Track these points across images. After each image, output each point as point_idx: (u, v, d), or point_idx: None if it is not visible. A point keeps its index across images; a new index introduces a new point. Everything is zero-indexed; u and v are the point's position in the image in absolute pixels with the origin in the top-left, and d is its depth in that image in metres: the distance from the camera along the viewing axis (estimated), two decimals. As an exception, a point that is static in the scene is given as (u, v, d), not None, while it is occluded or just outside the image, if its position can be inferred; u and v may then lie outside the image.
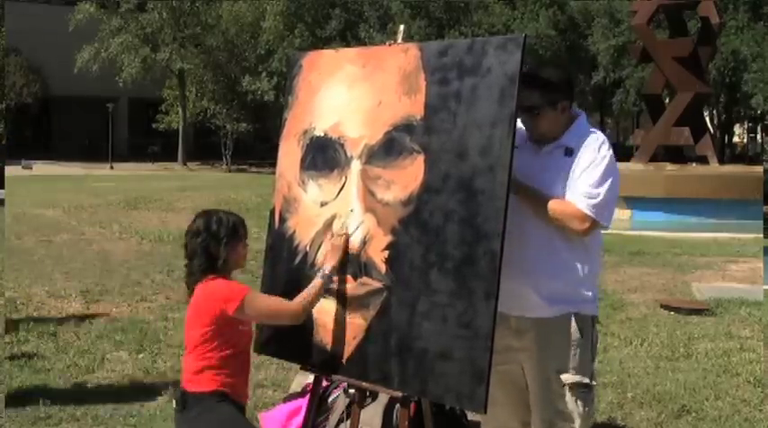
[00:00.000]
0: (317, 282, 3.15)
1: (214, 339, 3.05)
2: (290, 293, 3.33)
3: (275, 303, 3.16)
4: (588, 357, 3.09)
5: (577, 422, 3.05)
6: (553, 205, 2.97)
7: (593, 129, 3.13)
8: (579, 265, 3.04)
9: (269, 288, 3.48)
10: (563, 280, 3.02)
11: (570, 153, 3.02)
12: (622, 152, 27.55)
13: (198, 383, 3.06)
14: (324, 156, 3.30)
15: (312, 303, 3.16)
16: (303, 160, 3.40)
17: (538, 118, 3.03)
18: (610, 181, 2.97)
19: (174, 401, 3.17)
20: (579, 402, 3.04)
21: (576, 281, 3.04)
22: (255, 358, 5.32)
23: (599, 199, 2.95)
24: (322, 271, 3.16)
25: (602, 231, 3.12)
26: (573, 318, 3.04)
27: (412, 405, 3.05)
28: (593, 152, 3.00)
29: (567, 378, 3.03)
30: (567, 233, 3.00)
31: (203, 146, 45.88)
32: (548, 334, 3.03)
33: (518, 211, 2.93)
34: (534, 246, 3.00)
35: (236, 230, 3.18)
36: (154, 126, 44.52)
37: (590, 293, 3.10)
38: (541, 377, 3.06)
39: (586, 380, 3.06)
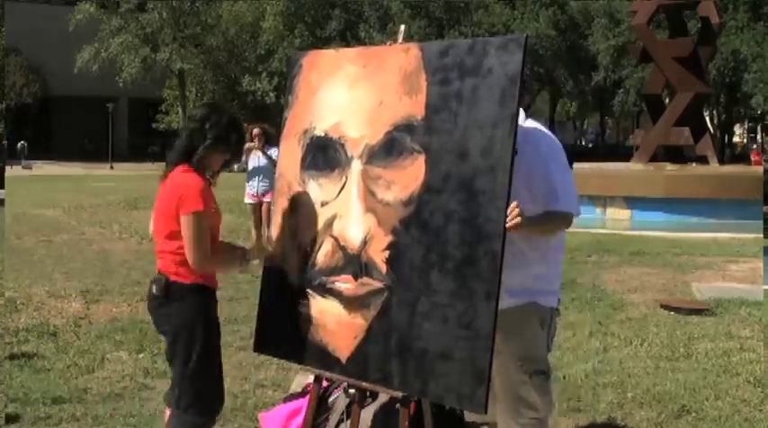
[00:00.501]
0: (238, 253, 3.38)
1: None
2: (289, 293, 3.34)
3: (195, 246, 3.19)
4: (544, 346, 3.20)
5: (541, 410, 3.15)
6: (549, 224, 3.06)
7: (536, 127, 3.18)
8: (538, 257, 3.13)
9: (269, 288, 3.48)
10: (521, 272, 3.07)
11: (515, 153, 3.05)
12: (622, 152, 27.54)
13: (179, 274, 3.25)
14: (324, 155, 3.30)
15: (218, 266, 3.38)
16: (303, 160, 3.40)
17: None
18: (569, 172, 3.14)
19: (155, 287, 3.31)
20: (539, 389, 3.14)
21: (534, 274, 3.12)
22: (255, 358, 5.36)
23: (574, 195, 3.11)
24: (245, 252, 3.39)
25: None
26: (532, 309, 3.12)
27: (411, 405, 3.06)
28: (537, 149, 3.07)
29: (529, 366, 3.12)
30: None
31: (203, 146, 45.87)
32: (507, 324, 3.05)
33: None
34: None
35: (226, 139, 3.30)
36: (154, 126, 44.54)
37: (549, 285, 3.18)
38: (504, 365, 3.12)
39: (543, 368, 3.16)
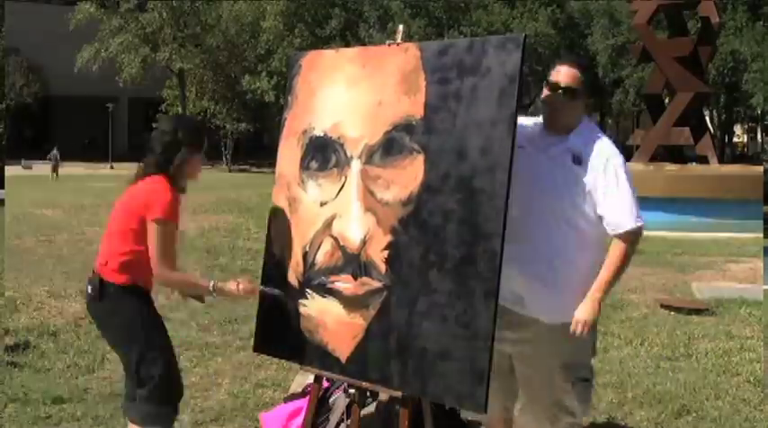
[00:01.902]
0: (201, 282, 3.26)
1: (137, 236, 3.22)
2: (289, 293, 3.34)
3: (160, 254, 3.16)
4: (589, 353, 3.19)
5: (578, 415, 3.17)
6: (622, 254, 3.02)
7: (596, 132, 3.16)
8: (590, 268, 3.07)
9: (269, 287, 3.48)
10: (572, 287, 3.04)
11: (579, 161, 3.04)
12: (622, 152, 27.52)
13: (116, 275, 3.26)
14: (323, 155, 3.30)
15: (177, 285, 3.38)
16: (303, 160, 3.40)
17: (567, 104, 3.04)
18: (632, 185, 3.10)
19: (89, 287, 3.32)
20: (580, 396, 3.13)
21: (584, 285, 3.07)
22: (255, 358, 5.36)
23: (637, 206, 3.07)
24: (214, 282, 3.21)
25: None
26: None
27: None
28: (604, 160, 3.04)
29: (572, 374, 3.10)
30: (582, 240, 3.05)
31: (203, 145, 45.91)
32: (552, 330, 3.06)
33: (539, 212, 3.01)
34: (552, 250, 3.04)
35: (198, 140, 3.34)
36: (154, 126, 44.48)
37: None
38: (544, 371, 3.11)
39: (587, 375, 3.16)
